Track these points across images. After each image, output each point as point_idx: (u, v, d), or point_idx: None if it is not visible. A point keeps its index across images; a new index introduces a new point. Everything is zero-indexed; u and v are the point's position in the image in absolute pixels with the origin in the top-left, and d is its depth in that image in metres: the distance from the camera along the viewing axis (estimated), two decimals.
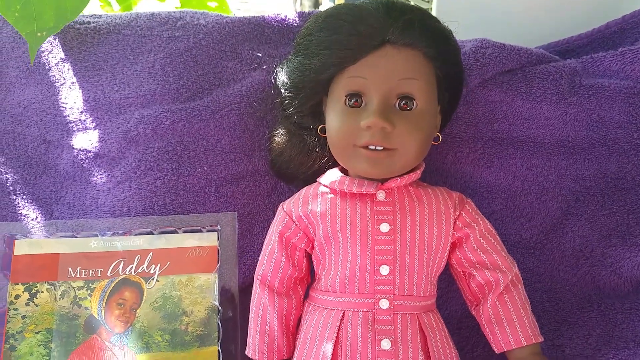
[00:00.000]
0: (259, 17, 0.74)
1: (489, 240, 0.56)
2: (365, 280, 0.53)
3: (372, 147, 0.52)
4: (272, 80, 0.64)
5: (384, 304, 0.52)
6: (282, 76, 0.61)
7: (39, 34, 0.67)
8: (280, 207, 0.59)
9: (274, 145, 0.65)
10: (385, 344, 0.51)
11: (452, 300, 0.66)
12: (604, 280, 0.65)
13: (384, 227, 0.53)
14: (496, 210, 0.68)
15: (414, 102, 0.53)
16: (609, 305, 0.63)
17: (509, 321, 0.54)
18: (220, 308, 0.61)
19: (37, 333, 0.59)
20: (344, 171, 0.58)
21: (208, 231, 0.64)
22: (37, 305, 0.60)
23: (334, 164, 0.60)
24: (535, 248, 0.68)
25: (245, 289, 0.62)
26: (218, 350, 0.60)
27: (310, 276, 0.60)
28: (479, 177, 0.69)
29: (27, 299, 0.60)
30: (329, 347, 0.51)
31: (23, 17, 0.66)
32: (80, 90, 0.70)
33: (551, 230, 0.68)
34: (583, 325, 0.61)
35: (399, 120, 0.52)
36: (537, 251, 0.68)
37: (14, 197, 0.70)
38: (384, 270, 0.53)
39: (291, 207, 0.57)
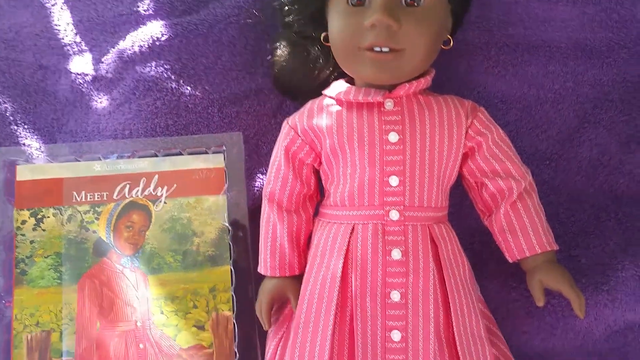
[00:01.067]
0: None
1: (502, 149, 0.54)
2: (374, 192, 0.52)
3: (377, 48, 0.49)
4: None
5: (394, 215, 0.51)
6: None
7: None
8: (285, 122, 0.57)
9: (276, 58, 0.62)
10: (396, 254, 0.50)
11: (465, 217, 0.64)
12: (621, 188, 0.63)
13: (393, 137, 0.51)
14: (511, 121, 0.66)
15: None
16: (627, 213, 0.61)
17: (522, 229, 0.52)
18: (230, 228, 0.60)
19: (46, 257, 0.59)
20: (351, 82, 0.56)
21: (214, 153, 0.62)
22: (44, 230, 0.59)
23: (340, 76, 0.57)
24: (551, 159, 0.66)
25: (255, 210, 0.61)
26: (231, 269, 0.60)
27: (319, 193, 0.59)
28: (492, 87, 0.66)
29: (34, 224, 0.59)
30: (339, 259, 0.51)
31: None
32: (72, 11, 0.67)
33: (567, 140, 0.66)
34: (600, 235, 0.60)
35: (405, 18, 0.48)
36: (552, 162, 0.66)
37: (15, 127, 0.68)
38: (394, 181, 0.51)
39: (296, 121, 0.55)
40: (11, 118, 0.68)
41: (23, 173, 0.61)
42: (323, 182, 0.57)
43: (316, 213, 0.57)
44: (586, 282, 0.57)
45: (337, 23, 0.51)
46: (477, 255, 0.63)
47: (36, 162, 0.61)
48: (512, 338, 0.60)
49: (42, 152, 0.61)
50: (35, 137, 0.69)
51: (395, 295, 0.49)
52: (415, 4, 0.49)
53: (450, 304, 0.50)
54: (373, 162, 0.51)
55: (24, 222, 0.60)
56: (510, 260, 0.54)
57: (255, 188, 0.65)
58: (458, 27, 0.59)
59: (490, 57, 0.65)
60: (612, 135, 0.64)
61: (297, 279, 0.55)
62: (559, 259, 0.54)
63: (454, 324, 0.50)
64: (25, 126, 0.69)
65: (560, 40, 0.65)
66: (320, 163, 0.56)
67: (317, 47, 0.58)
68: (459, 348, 0.49)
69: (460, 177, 0.57)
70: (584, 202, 0.64)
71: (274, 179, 0.56)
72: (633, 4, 0.63)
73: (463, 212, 0.65)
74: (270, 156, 0.58)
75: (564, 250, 0.60)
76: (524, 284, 0.55)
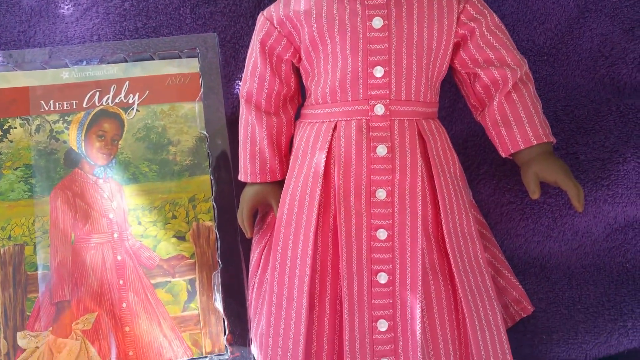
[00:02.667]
0: None
1: (496, 35, 0.50)
2: (357, 85, 0.48)
3: None
4: None
5: (379, 109, 0.47)
6: None
7: None
8: (260, 14, 0.52)
9: None
10: (381, 150, 0.47)
11: (457, 120, 0.61)
12: (624, 80, 0.59)
13: (377, 22, 0.47)
14: (507, 14, 0.61)
15: None
16: (629, 105, 0.57)
17: (517, 120, 0.49)
18: (208, 137, 0.57)
19: (15, 169, 0.56)
20: None
21: (188, 57, 0.58)
22: (11, 142, 0.56)
23: None
24: (549, 54, 0.62)
25: (235, 121, 0.57)
26: (210, 179, 0.57)
27: (300, 96, 0.55)
28: None
29: (0, 135, 0.56)
30: (321, 158, 0.48)
31: None
32: None
33: (567, 32, 0.61)
34: (600, 130, 0.56)
35: None
36: (551, 57, 0.61)
37: None
38: (378, 72, 0.47)
39: (272, 12, 0.51)
40: None
41: None
42: (304, 80, 0.53)
43: (298, 117, 0.54)
44: (585, 178, 0.54)
45: None
46: (470, 159, 0.60)
47: (1, 70, 0.57)
48: (506, 242, 0.57)
49: (7, 58, 0.58)
50: (2, 51, 0.65)
51: (381, 194, 0.47)
52: None
53: (439, 202, 0.47)
54: (356, 51, 0.47)
55: None
56: (503, 155, 0.50)
57: (234, 96, 0.61)
58: None
59: None
60: (616, 23, 0.60)
61: (279, 184, 0.52)
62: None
63: (443, 221, 0.47)
64: None
65: None
66: (300, 59, 0.52)
67: None
68: (448, 247, 0.47)
69: (451, 71, 0.53)
70: (584, 97, 0.60)
71: (251, 78, 0.52)
72: None
73: (455, 115, 0.62)
74: None
75: (561, 147, 0.57)
76: (518, 185, 0.52)
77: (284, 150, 0.54)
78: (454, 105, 0.61)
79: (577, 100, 0.59)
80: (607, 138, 0.55)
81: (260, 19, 0.52)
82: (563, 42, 0.61)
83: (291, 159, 0.52)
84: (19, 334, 0.53)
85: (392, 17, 0.47)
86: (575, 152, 0.56)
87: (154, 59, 0.58)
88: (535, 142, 0.48)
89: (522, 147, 0.49)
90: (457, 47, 0.51)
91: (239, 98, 0.60)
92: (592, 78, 0.60)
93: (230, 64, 0.61)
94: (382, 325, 0.46)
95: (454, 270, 0.46)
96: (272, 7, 0.52)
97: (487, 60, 0.50)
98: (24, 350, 0.53)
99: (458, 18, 0.50)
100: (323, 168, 0.47)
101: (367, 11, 0.48)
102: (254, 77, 0.52)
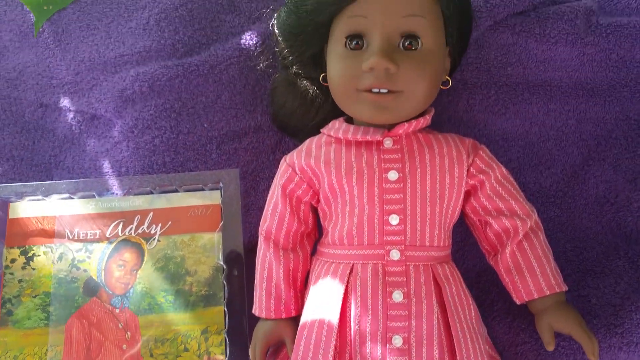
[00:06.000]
0: None
1: (505, 187, 0.53)
2: (374, 231, 0.50)
3: (376, 90, 0.49)
4: (271, 29, 0.61)
5: (395, 254, 0.49)
6: (279, 23, 0.58)
7: (45, 8, 0.68)
8: (283, 160, 0.56)
9: (275, 97, 0.62)
10: (397, 296, 0.48)
11: (469, 254, 0.62)
12: (630, 227, 0.61)
13: (392, 175, 0.50)
14: (513, 158, 0.65)
15: (419, 41, 0.49)
16: (638, 252, 0.59)
17: (529, 269, 0.50)
18: (225, 267, 0.58)
19: (34, 297, 0.57)
20: (349, 121, 0.55)
21: (210, 189, 0.61)
22: (33, 269, 0.58)
23: (338, 115, 0.57)
24: (556, 197, 0.64)
25: (252, 249, 0.59)
26: (224, 310, 0.57)
27: (317, 231, 0.57)
28: (493, 125, 0.65)
29: (24, 263, 0.58)
30: (337, 302, 0.48)
31: None
32: (75, 51, 0.68)
33: (572, 177, 0.64)
34: (610, 274, 0.57)
35: (403, 61, 0.48)
36: (558, 200, 0.64)
37: (13, 163, 0.68)
38: (394, 220, 0.50)
39: (294, 159, 0.54)
40: (9, 154, 0.68)
41: (16, 210, 0.60)
42: (321, 220, 0.55)
43: (314, 251, 0.56)
44: (597, 323, 0.54)
45: (335, 66, 0.51)
46: (484, 295, 0.61)
47: (30, 199, 0.60)
48: None
49: (36, 187, 0.61)
50: (33, 173, 0.68)
51: (397, 340, 0.47)
52: (413, 48, 0.49)
53: (456, 349, 0.47)
54: (373, 200, 0.50)
55: (13, 260, 0.58)
56: (517, 302, 0.51)
57: (252, 225, 0.63)
58: (456, 68, 0.59)
59: (490, 96, 0.65)
60: (619, 173, 0.63)
61: (294, 320, 0.53)
62: (567, 299, 0.51)
63: None
64: (23, 162, 0.68)
65: (560, 80, 0.65)
66: (318, 201, 0.54)
67: (316, 87, 0.58)
68: None
69: (463, 215, 0.55)
70: (592, 240, 0.62)
71: (271, 217, 0.55)
72: (632, 45, 0.64)
73: (467, 249, 0.63)
74: (267, 193, 0.56)
75: (572, 289, 0.58)
76: (533, 325, 0.52)
77: (300, 287, 0.54)
78: (466, 240, 0.62)
79: (586, 242, 0.61)
80: (617, 283, 0.56)
81: (283, 164, 0.55)
82: (569, 186, 0.64)
83: (307, 298, 0.52)
84: None
85: (406, 170, 0.51)
86: (586, 295, 0.57)
87: (178, 192, 0.61)
88: (548, 293, 0.50)
89: (535, 297, 0.50)
90: (468, 195, 0.54)
91: (256, 228, 0.62)
92: (599, 222, 0.62)
93: (250, 194, 0.64)
94: None
95: None
96: (294, 154, 0.55)
97: (497, 210, 0.52)
98: None
99: (468, 170, 0.53)
100: (339, 313, 0.48)
101: (383, 164, 0.51)
102: (274, 216, 0.54)
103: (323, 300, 0.50)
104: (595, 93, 0.65)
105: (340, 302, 0.48)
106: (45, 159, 0.68)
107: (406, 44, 0.49)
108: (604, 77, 0.65)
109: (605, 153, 0.64)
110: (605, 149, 0.65)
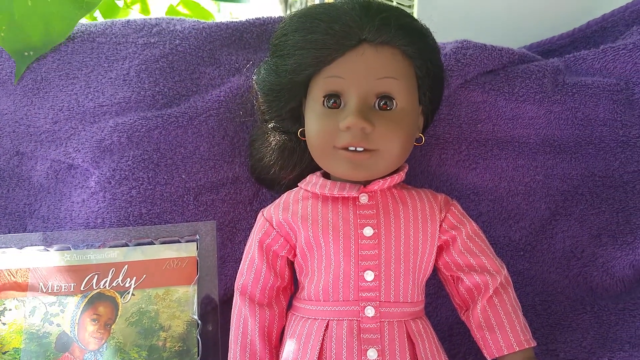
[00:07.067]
0: (237, 21, 0.73)
1: (476, 243, 0.54)
2: (349, 287, 0.51)
3: (352, 148, 0.51)
4: (250, 83, 0.62)
5: (370, 311, 0.50)
6: (259, 79, 0.59)
7: (25, 54, 0.68)
8: (260, 214, 0.57)
9: (254, 150, 0.63)
10: (372, 354, 0.48)
11: (442, 307, 0.63)
12: (596, 281, 0.63)
13: (368, 231, 0.52)
14: (483, 212, 0.67)
15: (394, 101, 0.51)
16: (602, 306, 0.61)
17: (499, 325, 0.52)
18: (199, 322, 0.58)
19: (4, 353, 0.55)
20: (326, 175, 0.57)
21: (187, 241, 0.61)
22: (4, 324, 0.57)
23: (316, 168, 0.58)
24: (525, 250, 0.66)
25: (227, 301, 0.59)
26: None
27: (293, 285, 0.57)
28: (464, 179, 0.67)
29: None
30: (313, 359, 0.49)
31: (10, 36, 0.67)
32: (54, 100, 0.68)
33: (540, 231, 0.67)
34: (577, 328, 0.59)
35: (378, 120, 0.50)
36: (527, 253, 0.66)
37: None
38: (369, 276, 0.51)
39: (271, 213, 0.55)
40: None
41: None
42: (297, 274, 0.56)
43: (289, 306, 0.56)
44: None
45: (313, 123, 0.53)
46: (456, 348, 0.62)
47: (3, 250, 0.59)
48: None
49: (9, 238, 0.60)
50: (6, 221, 0.67)
51: None
52: (388, 108, 0.51)
53: None
54: (348, 256, 0.51)
55: None
56: (488, 358, 0.52)
57: (228, 277, 0.63)
58: (429, 124, 0.61)
59: (461, 151, 0.67)
60: (584, 228, 0.65)
61: None
62: (536, 352, 0.53)
63: None
64: None
65: (528, 136, 0.67)
66: (295, 255, 0.55)
67: (294, 141, 0.59)
68: None
69: (436, 270, 0.56)
70: (560, 293, 0.64)
71: (247, 271, 0.55)
72: (596, 104, 0.67)
73: (440, 302, 0.64)
74: (244, 245, 0.57)
75: (541, 343, 0.59)
76: None
77: (275, 342, 0.55)
78: (439, 292, 0.64)
79: (554, 296, 0.63)
80: (584, 337, 0.58)
81: (260, 219, 0.56)
82: (537, 240, 0.66)
83: (282, 355, 0.52)
84: None
85: (381, 226, 0.52)
86: (555, 349, 0.58)
87: (154, 244, 0.61)
88: (518, 349, 0.51)
89: (505, 353, 0.51)
90: (440, 250, 0.55)
91: (232, 279, 0.62)
92: (566, 275, 0.64)
93: (227, 246, 0.64)
94: None
95: None
96: (272, 208, 0.56)
97: (468, 266, 0.54)
98: None
99: (440, 226, 0.54)
100: None
101: (358, 220, 0.52)
102: (251, 271, 0.55)
103: (299, 359, 0.50)
104: (562, 150, 0.68)
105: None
106: (20, 207, 0.68)
107: (381, 104, 0.51)
108: (570, 135, 0.68)
109: (572, 208, 0.67)
110: (572, 204, 0.67)
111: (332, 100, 0.52)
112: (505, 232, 0.66)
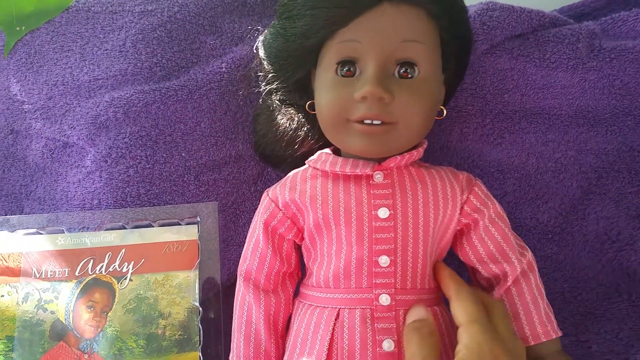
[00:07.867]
0: None
1: (498, 226, 0.50)
2: (362, 273, 0.46)
3: (368, 121, 0.46)
4: (254, 52, 0.57)
5: (385, 299, 0.46)
6: (264, 45, 0.54)
7: (17, 28, 0.64)
8: (265, 194, 0.52)
9: (258, 125, 0.58)
10: (387, 345, 0.44)
11: None
12: (633, 267, 0.57)
13: (383, 213, 0.47)
14: (509, 191, 0.62)
15: (416, 68, 0.46)
16: None
17: (515, 317, 0.47)
18: (201, 309, 0.55)
19: None
20: (337, 152, 0.52)
21: (187, 224, 0.57)
22: None
23: (325, 145, 0.53)
24: (553, 232, 0.61)
25: (230, 287, 0.55)
26: (199, 356, 0.53)
27: (300, 270, 0.53)
28: (488, 155, 0.62)
29: None
30: (322, 352, 0.45)
31: (1, 8, 0.62)
32: (48, 75, 0.64)
33: (571, 212, 0.61)
34: (611, 318, 0.54)
35: (399, 90, 0.45)
36: (556, 236, 0.61)
37: None
38: (384, 261, 0.46)
39: (277, 194, 0.51)
40: None
41: None
42: (305, 259, 0.52)
43: (296, 293, 0.52)
44: None
45: (325, 94, 0.48)
46: None
47: None
48: None
49: (2, 223, 0.57)
50: (2, 203, 0.64)
51: None
52: (409, 76, 0.46)
53: None
54: (361, 240, 0.47)
55: None
56: None
57: (231, 262, 0.60)
58: (451, 96, 0.56)
59: (485, 125, 0.62)
60: (621, 209, 0.60)
61: None
62: (565, 343, 0.48)
63: None
64: None
65: (560, 108, 0.62)
66: (303, 239, 0.51)
67: (302, 115, 0.55)
68: None
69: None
70: (592, 280, 0.59)
71: (251, 256, 0.51)
72: (637, 71, 0.60)
73: None
74: (248, 227, 0.53)
75: (570, 334, 0.54)
76: None
77: (281, 332, 0.51)
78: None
79: (585, 282, 0.58)
80: (620, 329, 0.53)
81: (265, 199, 0.52)
82: (568, 222, 0.61)
83: (288, 345, 0.49)
84: None
85: (397, 207, 0.47)
86: (586, 340, 0.53)
87: (153, 226, 0.57)
88: (533, 343, 0.47)
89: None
90: (460, 234, 0.51)
91: (235, 264, 0.58)
92: (599, 260, 0.59)
93: (230, 228, 0.60)
94: None
95: None
96: (277, 188, 0.51)
97: (488, 254, 0.49)
98: None
99: (462, 208, 0.50)
100: None
101: (373, 201, 0.47)
102: (255, 255, 0.51)
103: (307, 351, 0.46)
104: (596, 122, 0.62)
105: (325, 352, 0.45)
106: (16, 188, 0.65)
107: (402, 71, 0.46)
108: (606, 105, 0.61)
109: (607, 187, 0.61)
110: (607, 182, 0.61)
111: (347, 68, 0.46)
112: (532, 213, 0.61)
